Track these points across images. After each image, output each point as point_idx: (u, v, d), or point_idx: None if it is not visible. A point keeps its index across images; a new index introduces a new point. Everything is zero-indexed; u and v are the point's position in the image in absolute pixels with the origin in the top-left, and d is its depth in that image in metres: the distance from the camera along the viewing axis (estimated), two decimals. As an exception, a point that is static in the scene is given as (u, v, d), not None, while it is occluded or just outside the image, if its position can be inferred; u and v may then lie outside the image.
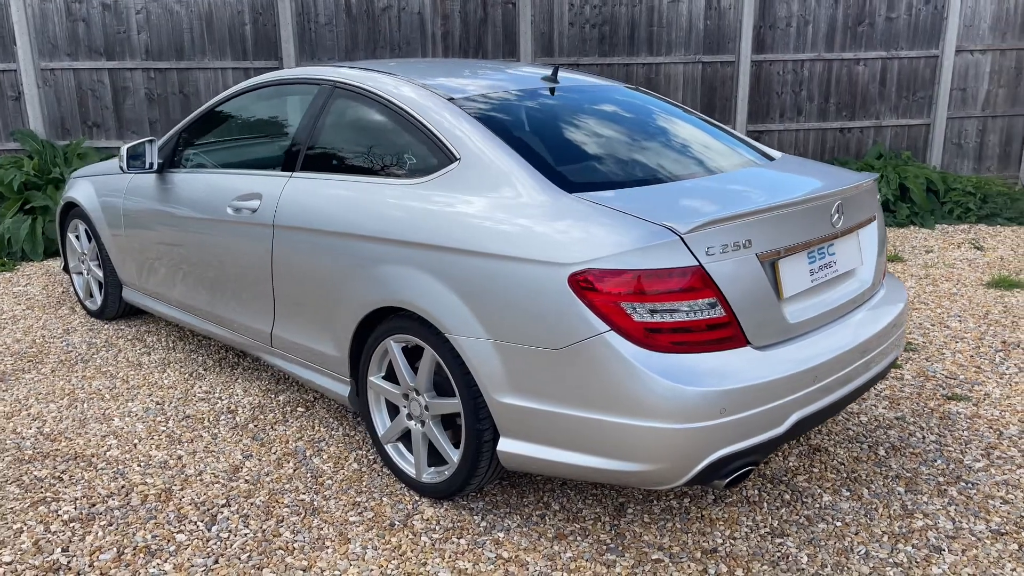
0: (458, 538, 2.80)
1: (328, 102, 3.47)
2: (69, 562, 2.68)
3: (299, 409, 3.77)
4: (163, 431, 3.57)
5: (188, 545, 2.77)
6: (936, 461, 3.27)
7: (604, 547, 2.74)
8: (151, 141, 4.10)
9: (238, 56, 7.25)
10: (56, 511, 2.97)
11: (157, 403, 3.85)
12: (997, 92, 8.43)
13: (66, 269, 5.24)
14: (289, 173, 3.47)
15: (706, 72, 7.90)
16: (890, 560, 2.66)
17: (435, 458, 3.02)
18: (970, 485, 3.09)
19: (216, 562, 2.68)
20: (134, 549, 2.75)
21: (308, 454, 3.36)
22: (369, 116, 3.34)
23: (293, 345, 3.49)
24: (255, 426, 3.61)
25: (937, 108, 8.28)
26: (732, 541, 2.77)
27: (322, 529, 2.85)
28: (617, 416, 2.42)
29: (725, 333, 2.45)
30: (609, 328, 2.40)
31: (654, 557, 2.69)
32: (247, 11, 7.17)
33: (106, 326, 4.87)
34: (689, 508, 2.96)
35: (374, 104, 3.30)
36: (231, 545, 2.76)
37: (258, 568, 2.65)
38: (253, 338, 3.72)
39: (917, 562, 2.65)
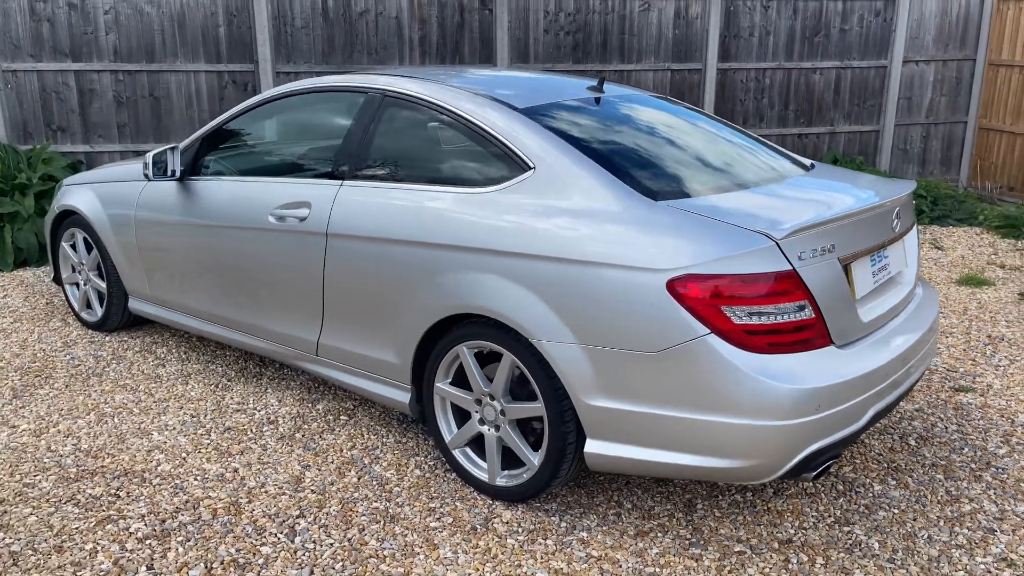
0: (543, 539, 2.86)
1: (378, 111, 3.47)
2: (159, 580, 2.63)
3: (342, 418, 3.76)
4: (208, 444, 3.51)
5: (276, 557, 2.75)
6: (964, 449, 3.50)
7: (687, 542, 2.85)
8: (173, 148, 4.01)
9: (211, 59, 7.09)
10: (126, 529, 2.90)
11: (192, 416, 3.77)
12: (940, 100, 8.95)
13: (57, 280, 5.05)
14: (339, 181, 3.46)
15: (675, 79, 8.13)
16: (952, 543, 2.85)
17: (507, 462, 3.07)
18: (1000, 470, 3.33)
19: (311, 573, 2.67)
20: (222, 564, 2.71)
21: (367, 462, 3.36)
22: (426, 125, 3.36)
23: (344, 353, 3.48)
24: (302, 436, 3.58)
25: (886, 115, 8.73)
26: (803, 531, 2.91)
27: (406, 536, 2.87)
28: (716, 415, 2.53)
29: (814, 333, 2.59)
30: (709, 331, 2.51)
31: (736, 550, 2.81)
32: (221, 13, 7.03)
33: (107, 338, 4.72)
34: (754, 501, 3.10)
35: (431, 114, 3.32)
36: (321, 555, 2.76)
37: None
38: (295, 347, 3.68)
39: (976, 543, 2.85)
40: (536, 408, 2.88)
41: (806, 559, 2.76)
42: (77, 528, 2.90)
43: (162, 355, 4.48)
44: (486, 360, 3.06)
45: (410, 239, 3.13)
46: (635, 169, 2.94)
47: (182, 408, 3.85)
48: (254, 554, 2.77)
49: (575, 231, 2.75)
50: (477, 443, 3.17)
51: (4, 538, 2.85)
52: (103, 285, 4.67)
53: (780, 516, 3.00)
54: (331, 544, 2.82)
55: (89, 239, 4.65)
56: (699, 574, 2.68)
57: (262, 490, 3.16)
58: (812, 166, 3.54)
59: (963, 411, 3.85)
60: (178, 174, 4.02)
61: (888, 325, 2.96)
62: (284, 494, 3.13)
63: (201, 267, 4.00)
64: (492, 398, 3.02)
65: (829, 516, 3.00)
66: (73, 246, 4.84)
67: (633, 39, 7.93)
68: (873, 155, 8.87)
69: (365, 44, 7.36)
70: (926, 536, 2.88)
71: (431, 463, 3.37)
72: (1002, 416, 3.80)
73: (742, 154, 3.35)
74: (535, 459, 2.93)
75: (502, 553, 2.78)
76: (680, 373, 2.56)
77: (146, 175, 4.01)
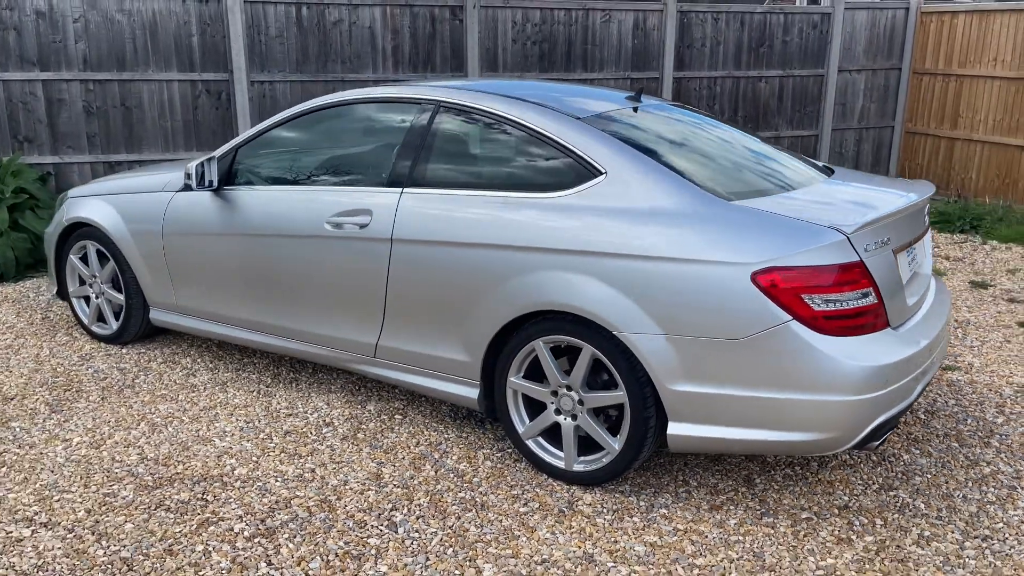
0: (629, 517, 3.08)
1: (434, 120, 3.63)
2: (282, 574, 2.73)
3: (396, 417, 3.89)
4: (274, 447, 3.59)
5: (386, 547, 2.88)
6: (967, 420, 3.91)
7: (758, 512, 3.13)
8: (210, 159, 4.05)
9: (184, 67, 7.03)
10: (230, 529, 2.97)
11: (246, 422, 3.83)
12: (870, 107, 9.62)
13: (61, 294, 4.97)
14: (398, 189, 3.60)
15: (634, 87, 8.48)
16: (984, 500, 3.22)
17: (581, 449, 3.28)
18: (1004, 436, 3.74)
19: (428, 559, 2.81)
20: (337, 555, 2.83)
21: (437, 457, 3.51)
22: (484, 135, 3.54)
23: (406, 354, 3.61)
24: (364, 436, 3.70)
25: (824, 121, 9.33)
26: (856, 498, 3.23)
27: (502, 521, 3.05)
28: (798, 393, 2.82)
29: (877, 317, 2.91)
30: (791, 318, 2.79)
31: (804, 517, 3.10)
32: (194, 21, 6.97)
33: (124, 351, 4.69)
34: (804, 475, 3.40)
35: (489, 123, 3.51)
36: (429, 543, 2.90)
37: (471, 560, 2.81)
38: (351, 351, 3.79)
39: (1004, 499, 3.23)
40: (617, 396, 3.11)
41: (866, 521, 3.07)
42: (180, 531, 2.96)
43: (188, 365, 4.49)
44: (559, 354, 3.26)
45: (483, 242, 3.31)
46: (696, 172, 3.20)
47: (232, 415, 3.90)
48: (363, 545, 2.89)
49: (654, 230, 2.99)
50: (548, 433, 3.37)
51: (109, 546, 2.88)
52: (120, 297, 4.63)
53: (831, 486, 3.31)
54: (435, 532, 2.97)
55: (105, 251, 4.60)
56: (777, 540, 2.96)
57: (346, 487, 3.27)
58: (832, 170, 3.88)
59: (956, 387, 4.27)
60: (215, 184, 4.06)
61: (919, 311, 3.31)
62: (369, 490, 3.25)
63: (242, 276, 4.05)
64: (569, 389, 3.23)
65: (873, 483, 3.33)
66: (82, 258, 4.78)
67: (595, 49, 8.25)
68: (813, 158, 9.45)
69: (339, 53, 7.43)
70: (961, 496, 3.25)
71: (498, 454, 3.54)
72: (990, 390, 4.24)
73: (775, 159, 3.66)
74: (616, 444, 3.15)
75: (596, 532, 2.99)
76: (764, 357, 2.83)
77: (188, 186, 4.04)
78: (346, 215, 3.68)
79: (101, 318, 4.81)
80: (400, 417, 3.88)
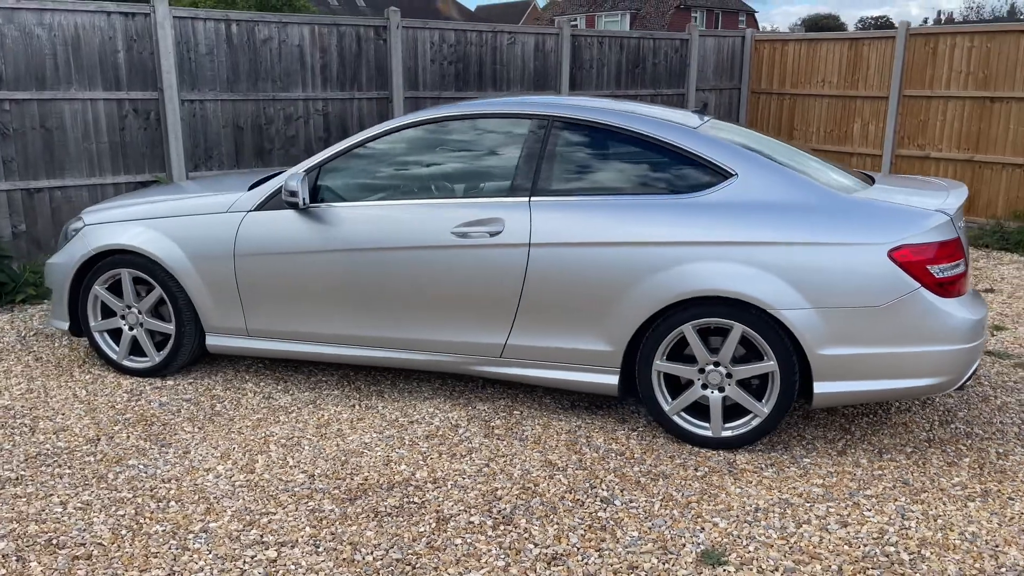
0: (788, 468, 3.60)
1: (550, 134, 3.93)
2: (566, 552, 2.94)
3: (513, 413, 4.11)
4: (429, 450, 3.69)
5: (620, 517, 3.17)
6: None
7: (877, 451, 3.76)
8: (296, 176, 4.03)
9: (110, 86, 6.57)
10: (471, 522, 3.10)
11: (377, 433, 3.88)
12: (719, 121, 10.89)
13: (76, 331, 4.59)
14: (524, 197, 3.87)
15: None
16: (1012, 421, 4.10)
17: (726, 417, 3.75)
18: (1000, 373, 4.70)
19: (665, 521, 3.14)
20: (588, 528, 3.08)
21: (587, 440, 3.81)
22: (607, 145, 3.91)
23: (538, 350, 3.88)
24: (504, 432, 3.90)
25: (685, 134, 10.44)
26: (929, 432, 3.98)
27: (691, 484, 3.44)
28: (925, 346, 3.49)
29: (964, 282, 3.65)
30: (920, 285, 3.46)
31: (908, 451, 3.79)
32: (120, 36, 6.55)
33: (170, 382, 4.46)
34: (882, 421, 4.10)
35: (608, 135, 3.89)
36: (652, 509, 3.23)
37: (698, 516, 3.18)
38: (475, 353, 3.98)
39: (1028, 421, 4.13)
40: (767, 366, 3.61)
41: (953, 448, 3.82)
42: (425, 530, 3.05)
43: (255, 389, 4.38)
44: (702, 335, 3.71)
45: (628, 240, 3.68)
46: (803, 172, 3.80)
47: (354, 428, 3.92)
48: (597, 519, 3.16)
49: (796, 220, 3.54)
50: (690, 408, 3.79)
51: (370, 552, 2.91)
52: (167, 327, 4.40)
53: (906, 427, 4.04)
54: (648, 500, 3.30)
55: (149, 279, 4.35)
56: (910, 469, 3.60)
57: (530, 477, 3.49)
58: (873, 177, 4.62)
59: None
60: (307, 202, 4.05)
61: None
62: (554, 476, 3.50)
63: (343, 291, 4.07)
64: (717, 365, 3.68)
65: (934, 420, 4.10)
66: (112, 290, 4.47)
67: (503, 69, 8.72)
68: (678, 168, 10.54)
69: (269, 72, 7.29)
70: (999, 421, 4.10)
71: (641, 432, 3.91)
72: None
73: (831, 165, 4.33)
74: (765, 408, 3.66)
75: (772, 483, 3.47)
76: (899, 319, 3.47)
77: (294, 204, 3.99)
78: (473, 225, 3.87)
79: (137, 351, 4.52)
80: (518, 413, 4.11)
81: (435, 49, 8.21)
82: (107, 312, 4.54)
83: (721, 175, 3.73)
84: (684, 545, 3.00)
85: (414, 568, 2.84)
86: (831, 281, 3.49)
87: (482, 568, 2.84)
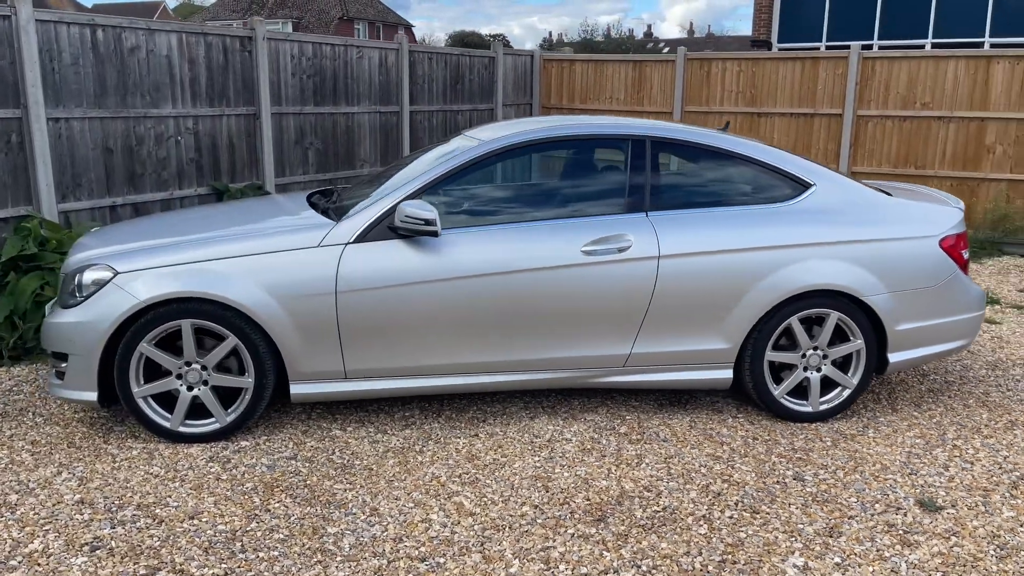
0: (868, 433, 4.27)
1: (648, 152, 4.20)
2: (838, 523, 3.28)
3: (626, 419, 4.30)
4: (605, 464, 3.78)
5: (832, 491, 3.59)
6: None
7: (925, 415, 4.61)
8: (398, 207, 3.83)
9: (-37, 102, 5.34)
10: (731, 517, 3.31)
11: (532, 456, 3.84)
12: (518, 134, 11.57)
13: (107, 401, 3.83)
14: (641, 213, 4.10)
15: (382, 120, 8.94)
16: (992, 376, 5.23)
17: (802, 394, 4.33)
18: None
19: (863, 487, 3.63)
20: (824, 504, 3.45)
21: (717, 435, 4.15)
22: (701, 162, 4.27)
23: (661, 356, 4.14)
24: (637, 438, 4.08)
25: (495, 147, 10.96)
26: (947, 391, 4.94)
27: (834, 452, 3.96)
28: (962, 314, 4.39)
29: (968, 263, 4.64)
30: (957, 266, 4.35)
31: (940, 411, 4.69)
32: (-27, 43, 5.35)
33: (244, 443, 3.93)
34: (905, 387, 4.99)
35: (700, 153, 4.27)
36: (819, 488, 3.69)
37: (872, 476, 3.72)
38: (600, 366, 4.11)
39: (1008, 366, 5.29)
40: (856, 345, 4.26)
41: (982, 404, 4.79)
42: (747, 534, 3.20)
43: (344, 434, 4.04)
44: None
45: (745, 247, 4.10)
46: (856, 181, 4.52)
47: (504, 455, 3.84)
48: (812, 493, 3.55)
49: (870, 221, 4.24)
50: (793, 390, 4.31)
51: (691, 558, 3.01)
52: (241, 381, 3.86)
53: (929, 392, 4.96)
54: (827, 472, 3.76)
55: (221, 328, 3.78)
56: (965, 427, 4.46)
57: (715, 471, 3.76)
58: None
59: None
60: (440, 231, 3.86)
61: None
62: (735, 466, 3.80)
63: (464, 320, 3.94)
64: (815, 349, 4.25)
65: (953, 386, 5.07)
66: (160, 344, 3.80)
67: (354, 83, 8.49)
68: (489, 179, 11.03)
69: (139, 85, 6.40)
70: (1005, 387, 5.16)
71: (752, 418, 4.33)
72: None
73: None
74: (853, 380, 4.30)
75: (884, 442, 4.12)
76: (947, 294, 4.33)
77: (418, 231, 3.77)
78: (601, 242, 4.01)
79: (196, 414, 3.89)
80: (619, 420, 4.31)
81: (295, 62, 7.75)
82: (150, 373, 3.84)
83: (802, 186, 4.30)
84: (903, 498, 3.52)
85: (738, 565, 3.00)
86: (901, 268, 4.24)
87: (805, 551, 3.10)
